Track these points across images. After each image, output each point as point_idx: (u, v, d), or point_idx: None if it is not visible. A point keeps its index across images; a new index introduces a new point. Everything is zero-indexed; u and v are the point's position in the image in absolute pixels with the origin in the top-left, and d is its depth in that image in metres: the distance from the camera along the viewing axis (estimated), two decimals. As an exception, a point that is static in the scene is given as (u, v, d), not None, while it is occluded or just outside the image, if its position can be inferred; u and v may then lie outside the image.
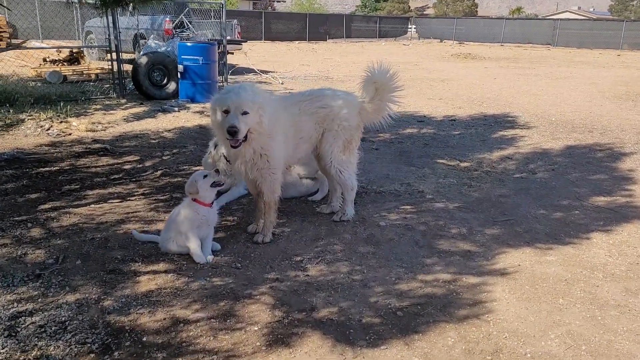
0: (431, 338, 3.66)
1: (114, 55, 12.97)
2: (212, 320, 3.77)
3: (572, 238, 5.44)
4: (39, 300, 3.94)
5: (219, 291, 4.17)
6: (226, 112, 4.64)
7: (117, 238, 5.07)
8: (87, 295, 4.03)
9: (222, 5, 14.73)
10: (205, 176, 4.74)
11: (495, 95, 15.47)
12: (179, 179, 6.95)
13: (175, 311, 3.86)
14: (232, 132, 4.57)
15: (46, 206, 5.81)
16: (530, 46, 42.61)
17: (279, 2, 72.37)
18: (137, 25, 18.74)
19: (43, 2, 28.10)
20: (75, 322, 3.66)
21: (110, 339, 3.50)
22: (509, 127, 11.19)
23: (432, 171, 7.71)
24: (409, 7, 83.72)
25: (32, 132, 9.22)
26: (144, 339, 3.52)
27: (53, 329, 3.57)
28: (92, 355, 3.33)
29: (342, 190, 5.77)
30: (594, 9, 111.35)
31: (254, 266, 4.63)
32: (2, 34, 24.57)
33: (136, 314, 3.81)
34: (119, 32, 12.97)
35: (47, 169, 7.24)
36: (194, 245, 4.63)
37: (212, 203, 4.82)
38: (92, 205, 5.91)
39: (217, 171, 4.80)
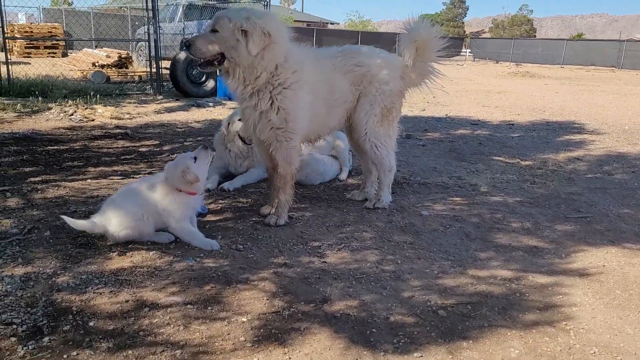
0: (486, 347, 2.60)
1: (153, 52, 12.55)
2: (189, 306, 2.84)
3: (671, 240, 4.25)
4: (-21, 270, 3.12)
5: (207, 274, 3.24)
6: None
7: (103, 212, 4.23)
8: (40, 269, 3.18)
9: (267, 3, 14.12)
10: (194, 158, 3.67)
11: (559, 106, 14.11)
12: (195, 162, 6.12)
13: (144, 293, 2.95)
14: (185, 45, 3.87)
15: (37, 179, 5.07)
16: (593, 68, 40.39)
17: (333, 24, 72.47)
18: (184, 30, 18.46)
19: (98, 15, 28.71)
20: (10, 298, 2.81)
21: (46, 321, 2.61)
22: (576, 132, 9.90)
23: (487, 167, 6.60)
24: (464, 32, 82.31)
25: (54, 117, 8.66)
26: (91, 323, 2.62)
27: (-22, 303, 2.72)
28: (14, 339, 2.45)
29: (377, 171, 4.77)
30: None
31: (259, 249, 3.69)
32: (58, 42, 25.08)
33: (93, 293, 2.92)
34: (159, 26, 12.53)
35: (56, 147, 6.57)
36: (199, 237, 3.69)
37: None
38: (89, 181, 5.13)
39: (205, 147, 3.80)
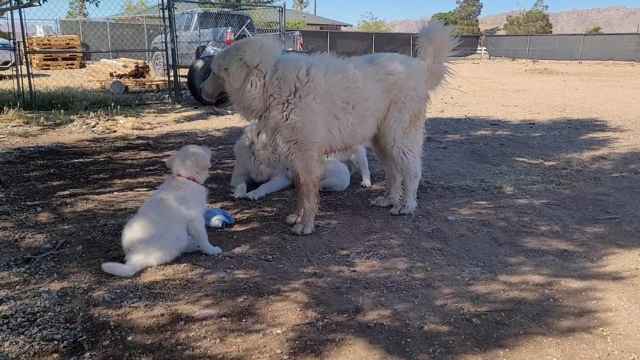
0: (523, 355, 2.59)
1: (171, 61, 12.68)
2: (224, 319, 2.87)
3: None
4: (17, 287, 3.17)
5: (239, 285, 3.26)
6: None
7: (132, 225, 4.29)
8: (75, 284, 3.23)
9: (282, 9, 14.18)
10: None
11: (579, 103, 13.94)
12: (218, 171, 6.17)
13: (178, 306, 2.99)
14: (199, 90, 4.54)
15: (65, 192, 5.16)
16: (611, 63, 39.78)
17: (346, 26, 72.38)
18: (199, 37, 18.60)
19: (115, 25, 29.09)
20: (49, 313, 2.86)
21: (85, 336, 2.65)
22: (599, 130, 9.78)
23: (510, 169, 6.55)
24: (479, 30, 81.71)
25: (77, 129, 8.80)
26: (129, 338, 2.65)
27: (19, 320, 2.77)
28: (56, 355, 2.49)
29: (403, 177, 4.77)
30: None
31: (288, 259, 3.71)
32: (77, 53, 25.44)
33: (129, 307, 2.96)
34: (176, 36, 12.65)
35: (81, 160, 6.67)
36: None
37: None
38: (116, 193, 5.20)
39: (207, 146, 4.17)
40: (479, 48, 53.03)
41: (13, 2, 10.40)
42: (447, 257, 3.76)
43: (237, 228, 4.36)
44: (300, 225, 4.22)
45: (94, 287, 3.20)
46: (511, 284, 3.33)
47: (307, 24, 55.38)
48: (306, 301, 3.07)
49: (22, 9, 11.15)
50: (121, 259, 3.61)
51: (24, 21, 11.15)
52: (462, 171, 6.38)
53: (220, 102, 4.34)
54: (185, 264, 3.54)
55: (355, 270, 3.51)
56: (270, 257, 3.72)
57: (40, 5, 9.31)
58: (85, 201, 4.89)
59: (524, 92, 17.06)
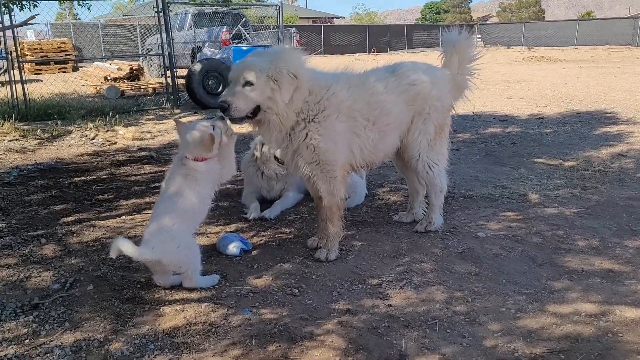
0: (594, 409, 2.34)
1: (167, 64, 12.35)
2: (257, 374, 2.61)
3: None
4: (26, 341, 2.89)
5: (268, 329, 3.00)
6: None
7: (144, 256, 4.01)
8: (90, 334, 2.96)
9: (279, 7, 13.84)
10: (212, 127, 3.60)
11: (584, 93, 13.70)
12: (227, 186, 5.88)
13: (206, 359, 2.72)
14: (222, 108, 3.58)
15: (70, 219, 4.87)
16: (607, 47, 39.55)
17: (338, 18, 71.93)
18: (194, 38, 18.24)
19: (106, 26, 28.62)
20: (64, 375, 2.59)
21: (107, 404, 2.39)
22: (611, 123, 9.53)
23: (530, 171, 6.30)
24: (471, 17, 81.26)
25: (76, 142, 8.49)
26: (156, 404, 2.39)
27: (31, 386, 2.50)
28: None
29: (427, 192, 4.51)
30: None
31: (315, 292, 3.44)
32: (68, 57, 25.01)
33: (151, 363, 2.70)
34: (172, 40, 12.31)
35: (83, 178, 6.37)
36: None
37: None
38: (123, 217, 4.92)
39: (222, 118, 3.67)
40: (473, 36, 52.66)
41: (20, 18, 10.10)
42: (485, 284, 3.50)
43: (255, 253, 4.09)
44: (324, 251, 3.95)
45: (110, 337, 2.93)
46: (562, 316, 3.08)
47: (299, 18, 54.90)
48: (344, 347, 2.81)
49: (12, 16, 10.84)
50: (136, 299, 3.35)
51: (16, 32, 10.81)
52: (480, 177, 6.12)
53: (245, 118, 3.69)
54: (206, 304, 3.27)
55: (390, 305, 3.24)
56: (297, 290, 3.46)
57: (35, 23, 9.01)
58: (91, 228, 4.60)
59: (526, 82, 16.81)
